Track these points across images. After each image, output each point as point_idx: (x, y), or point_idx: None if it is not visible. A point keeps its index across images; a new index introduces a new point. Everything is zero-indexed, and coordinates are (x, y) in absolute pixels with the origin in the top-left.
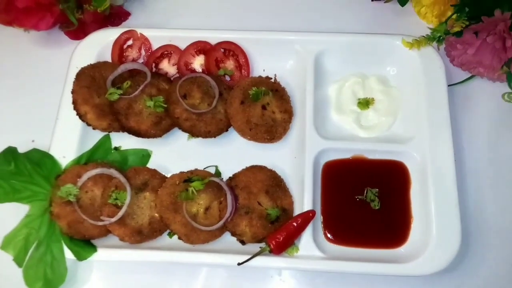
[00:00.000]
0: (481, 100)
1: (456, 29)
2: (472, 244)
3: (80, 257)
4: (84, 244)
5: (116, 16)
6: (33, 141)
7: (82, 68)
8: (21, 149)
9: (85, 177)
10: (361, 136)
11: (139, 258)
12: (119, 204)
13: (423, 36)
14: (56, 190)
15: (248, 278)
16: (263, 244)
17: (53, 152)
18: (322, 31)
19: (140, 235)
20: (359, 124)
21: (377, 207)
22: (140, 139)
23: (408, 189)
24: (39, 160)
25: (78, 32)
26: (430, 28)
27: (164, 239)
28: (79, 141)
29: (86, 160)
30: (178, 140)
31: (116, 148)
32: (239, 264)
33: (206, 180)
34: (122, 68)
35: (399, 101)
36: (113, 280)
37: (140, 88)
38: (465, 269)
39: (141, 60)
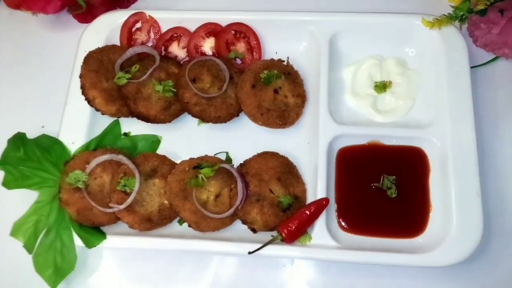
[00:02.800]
0: (506, 83)
1: (480, 7)
2: (494, 233)
3: (89, 244)
4: (94, 231)
5: None
6: (43, 127)
7: (90, 52)
8: (31, 135)
9: (93, 163)
10: (378, 121)
11: (148, 246)
12: (128, 191)
13: (445, 15)
14: (65, 177)
15: (259, 267)
16: (274, 233)
17: (62, 138)
18: (337, 11)
19: (150, 222)
20: (375, 108)
21: (393, 195)
22: (149, 124)
23: (427, 176)
24: (48, 146)
25: (87, 15)
26: (452, 6)
27: (174, 226)
28: (88, 127)
29: (95, 146)
30: (188, 125)
31: (125, 134)
32: (249, 253)
33: (216, 166)
34: (130, 51)
35: (418, 84)
36: (123, 268)
37: (149, 72)
38: (486, 260)
39: (150, 43)
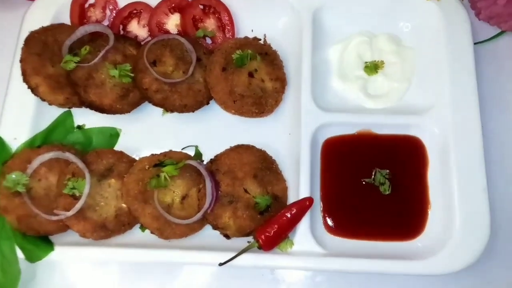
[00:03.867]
0: None
1: None
2: (502, 234)
3: (32, 257)
4: (39, 242)
5: None
6: None
7: (31, 32)
8: None
9: (36, 162)
10: (369, 107)
11: (104, 257)
12: (77, 195)
13: None
14: (2, 179)
15: (235, 277)
16: (251, 238)
17: (3, 133)
18: None
19: (105, 230)
20: (365, 92)
21: (387, 192)
22: (107, 115)
23: (425, 170)
24: None
25: None
26: None
27: (136, 232)
28: (33, 120)
29: (41, 142)
30: (151, 115)
31: (79, 127)
32: (220, 264)
33: (181, 164)
34: (81, 31)
35: (414, 64)
36: (77, 283)
37: (101, 54)
38: (493, 265)
39: (106, 22)
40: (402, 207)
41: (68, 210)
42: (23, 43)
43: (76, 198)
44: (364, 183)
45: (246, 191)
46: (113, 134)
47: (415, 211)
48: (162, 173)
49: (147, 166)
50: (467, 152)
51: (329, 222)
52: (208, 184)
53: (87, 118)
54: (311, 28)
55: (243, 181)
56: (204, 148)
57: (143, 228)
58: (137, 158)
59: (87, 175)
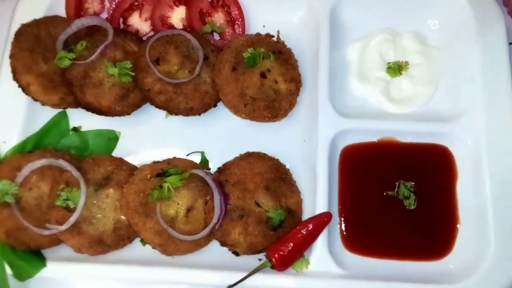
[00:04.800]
0: None
1: None
2: None
3: (22, 275)
4: (30, 257)
5: None
6: None
7: (22, 25)
8: None
9: (26, 170)
10: (391, 112)
11: (102, 275)
12: (72, 207)
13: None
14: None
15: None
16: (262, 255)
17: None
18: None
19: (102, 245)
20: (388, 96)
21: (412, 207)
22: (106, 117)
23: (454, 183)
24: None
25: None
26: None
27: (135, 246)
28: (24, 122)
29: (33, 146)
30: (153, 118)
31: (75, 129)
32: (230, 287)
33: (186, 174)
34: (77, 24)
35: (441, 65)
36: None
37: (99, 50)
38: None
39: (105, 15)
40: (428, 223)
41: (61, 224)
42: (14, 37)
43: (70, 210)
44: (386, 196)
45: (257, 204)
46: (112, 138)
47: (442, 229)
48: (165, 183)
49: (148, 176)
50: (503, 163)
51: (348, 238)
52: (217, 197)
53: (83, 120)
54: (328, 24)
55: (254, 194)
56: (211, 155)
57: (144, 242)
58: (137, 165)
59: (83, 185)
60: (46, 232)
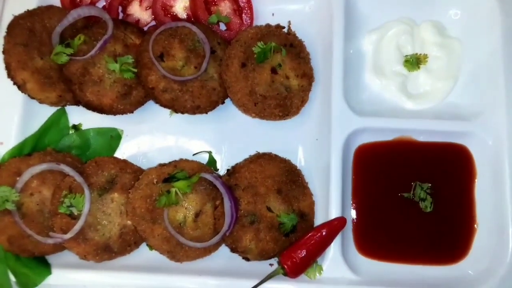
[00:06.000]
0: None
1: None
2: None
3: (27, 283)
4: (35, 264)
5: None
6: None
7: (15, 17)
8: None
9: (26, 175)
10: (408, 108)
11: (109, 282)
12: (76, 213)
13: None
14: None
15: None
16: (274, 261)
17: None
18: None
19: (108, 251)
20: (405, 91)
21: (428, 209)
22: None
23: (472, 184)
24: None
25: None
26: None
27: (143, 251)
28: (22, 121)
29: (32, 148)
30: (157, 116)
31: (75, 127)
32: None
33: (195, 179)
34: (73, 15)
35: (463, 58)
36: None
37: (99, 44)
38: None
39: (102, 3)
40: (445, 226)
41: (66, 232)
42: (6, 31)
43: (74, 218)
44: (402, 198)
45: (269, 209)
46: (114, 136)
47: (459, 232)
48: (173, 189)
49: (155, 180)
50: None
51: (363, 243)
52: (227, 204)
53: (84, 117)
54: (343, 14)
55: (266, 198)
56: (219, 154)
57: (151, 246)
58: (142, 167)
59: (87, 192)
60: (50, 241)
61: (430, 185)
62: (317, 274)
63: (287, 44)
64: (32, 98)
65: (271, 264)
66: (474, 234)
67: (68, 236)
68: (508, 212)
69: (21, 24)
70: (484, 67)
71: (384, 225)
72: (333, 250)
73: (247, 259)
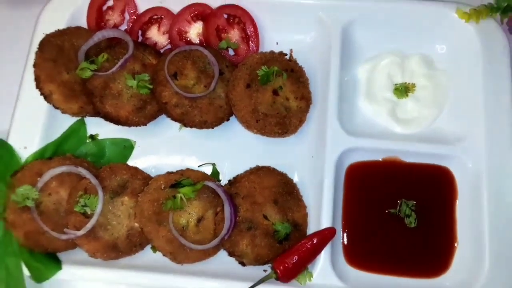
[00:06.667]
0: None
1: None
2: None
3: (39, 276)
4: (47, 260)
5: None
6: None
7: (46, 35)
8: None
9: (46, 176)
10: (397, 132)
11: (114, 279)
12: (89, 213)
13: (484, 5)
14: (11, 192)
15: None
16: (267, 266)
17: (12, 141)
18: None
19: (115, 250)
20: (394, 116)
21: (413, 225)
22: (122, 126)
23: (454, 203)
24: None
25: None
26: None
27: (147, 252)
28: (45, 128)
29: (52, 153)
30: (167, 130)
31: (92, 137)
32: None
33: (199, 185)
34: (98, 36)
35: (447, 88)
36: None
37: (120, 63)
38: None
39: (124, 27)
40: (428, 241)
41: (79, 229)
42: (38, 47)
43: (87, 216)
44: (389, 213)
45: (265, 217)
46: (127, 146)
47: (441, 247)
48: (179, 194)
49: (163, 186)
50: (500, 186)
51: (351, 253)
52: (227, 209)
53: (100, 128)
54: (339, 45)
55: (263, 207)
56: (222, 167)
57: (154, 248)
58: (152, 174)
59: (100, 193)
60: (64, 237)
61: (414, 202)
62: (307, 280)
63: (288, 69)
64: (56, 108)
65: (265, 270)
66: (454, 250)
67: (81, 232)
68: (485, 230)
69: (51, 42)
70: (466, 97)
71: (371, 238)
72: (323, 259)
73: (243, 264)
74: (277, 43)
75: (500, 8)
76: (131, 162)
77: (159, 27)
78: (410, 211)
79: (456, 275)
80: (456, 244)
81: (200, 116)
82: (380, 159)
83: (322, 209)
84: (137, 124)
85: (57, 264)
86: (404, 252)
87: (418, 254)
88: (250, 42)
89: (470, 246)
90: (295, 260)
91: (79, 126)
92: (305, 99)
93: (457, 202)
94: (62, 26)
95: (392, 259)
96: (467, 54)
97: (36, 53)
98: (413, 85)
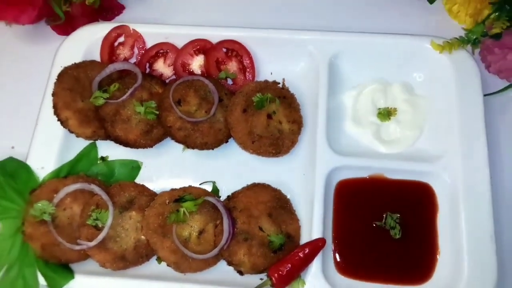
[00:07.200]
0: None
1: (495, 30)
2: (509, 282)
3: (54, 285)
4: (61, 270)
5: (108, 10)
6: (12, 147)
7: (64, 68)
8: None
9: (62, 193)
10: (381, 151)
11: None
12: (100, 226)
13: (456, 38)
14: (29, 207)
15: None
16: (264, 275)
17: (31, 162)
18: (338, 30)
19: (124, 261)
20: (379, 138)
21: (397, 236)
22: (129, 149)
23: (435, 216)
24: (14, 171)
25: (66, 26)
26: (464, 29)
27: (152, 264)
28: (60, 150)
29: (67, 172)
30: (172, 151)
31: (102, 158)
32: None
33: (200, 200)
34: (110, 68)
35: (426, 112)
36: None
37: (129, 91)
38: None
39: (133, 60)
40: (412, 251)
41: (91, 241)
42: (56, 78)
43: (98, 229)
44: (375, 226)
45: (261, 229)
46: (135, 167)
47: (424, 256)
48: (182, 208)
49: (167, 201)
50: (476, 200)
51: (340, 262)
52: (226, 221)
53: (110, 150)
54: (327, 74)
55: (259, 220)
56: (221, 184)
57: (159, 260)
58: (157, 192)
59: (111, 207)
60: (77, 247)
61: (399, 215)
62: (300, 287)
63: (281, 96)
64: (71, 132)
65: (261, 279)
66: (436, 259)
67: (92, 243)
68: (463, 241)
69: (68, 73)
70: (443, 120)
71: (359, 248)
72: (315, 267)
73: (241, 273)
74: (271, 73)
75: (470, 40)
76: (138, 180)
77: (165, 60)
78: (394, 223)
79: (438, 282)
80: (438, 253)
81: (202, 138)
82: (367, 176)
83: (313, 222)
84: (144, 146)
85: (70, 274)
86: (390, 261)
87: (403, 263)
88: (247, 73)
89: (450, 256)
90: (288, 268)
91: (91, 149)
92: (297, 123)
93: (438, 215)
94: (78, 59)
95: (378, 267)
96: (442, 81)
97: (55, 83)
98: (395, 110)
